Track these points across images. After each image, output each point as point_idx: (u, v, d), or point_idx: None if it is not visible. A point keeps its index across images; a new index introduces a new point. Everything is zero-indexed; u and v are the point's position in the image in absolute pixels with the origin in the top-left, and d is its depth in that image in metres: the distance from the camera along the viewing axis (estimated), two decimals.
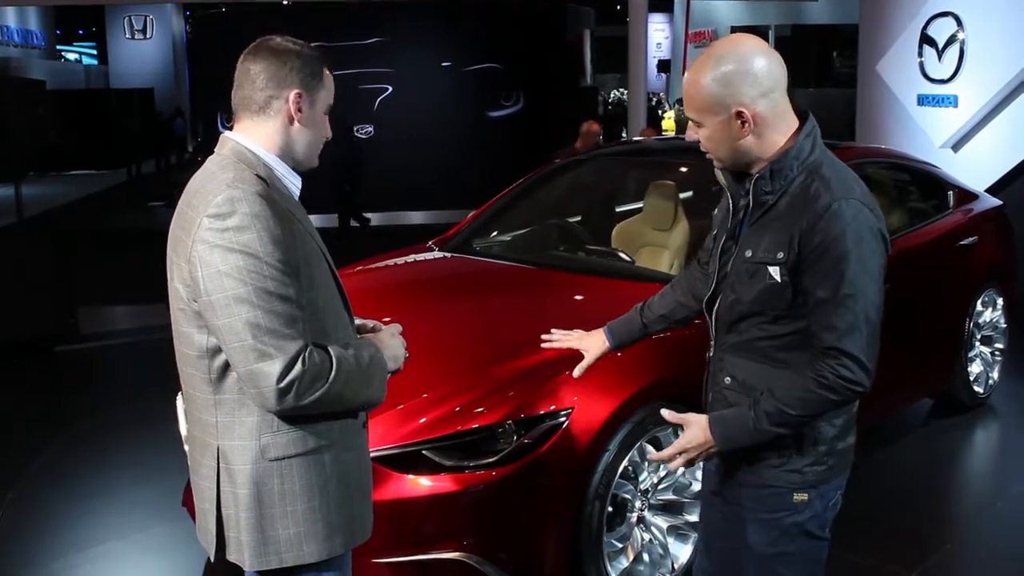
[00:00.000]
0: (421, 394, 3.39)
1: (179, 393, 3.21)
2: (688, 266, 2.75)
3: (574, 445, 3.27)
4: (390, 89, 14.88)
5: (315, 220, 2.28)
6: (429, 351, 3.81)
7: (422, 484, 3.20)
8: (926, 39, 8.77)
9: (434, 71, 14.94)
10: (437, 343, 3.88)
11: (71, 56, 42.11)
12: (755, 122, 2.14)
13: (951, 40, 8.54)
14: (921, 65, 8.84)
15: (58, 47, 37.88)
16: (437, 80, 14.99)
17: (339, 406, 2.10)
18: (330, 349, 2.05)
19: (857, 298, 2.10)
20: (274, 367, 1.95)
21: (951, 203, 5.69)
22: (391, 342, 2.30)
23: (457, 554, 3.16)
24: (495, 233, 5.27)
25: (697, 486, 3.75)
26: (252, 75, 2.12)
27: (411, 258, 5.02)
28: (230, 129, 2.19)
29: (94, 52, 42.53)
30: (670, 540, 3.70)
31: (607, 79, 37.88)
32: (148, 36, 31.34)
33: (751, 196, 2.23)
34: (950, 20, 8.53)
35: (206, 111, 15.47)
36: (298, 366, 1.96)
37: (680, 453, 2.29)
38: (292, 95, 2.13)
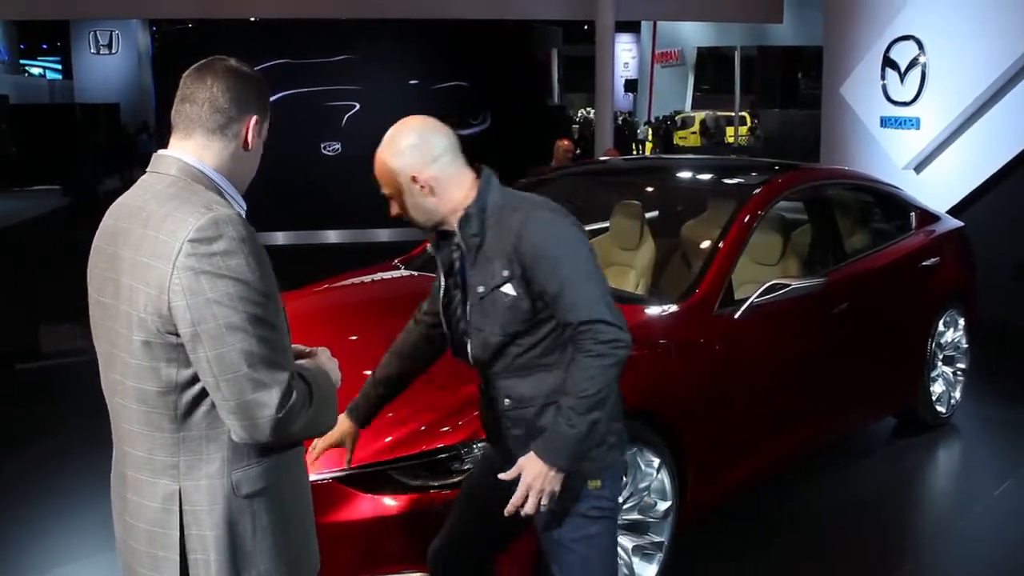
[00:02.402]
0: (386, 414, 3.36)
1: None
2: (407, 328, 2.93)
3: None
4: (357, 106, 14.84)
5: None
6: None
7: (387, 504, 3.19)
8: (888, 62, 8.89)
9: (402, 89, 14.91)
10: None
11: (35, 71, 41.75)
12: (430, 185, 2.45)
13: (913, 63, 8.66)
14: (884, 87, 8.96)
15: (22, 61, 37.55)
16: (405, 98, 14.93)
17: (311, 433, 2.03)
18: (303, 375, 2.00)
19: (579, 277, 2.42)
20: (272, 396, 1.87)
21: (913, 224, 5.76)
22: (331, 366, 2.19)
23: (422, 574, 3.14)
24: None
25: (663, 506, 3.76)
26: (214, 94, 2.02)
27: (377, 276, 5.00)
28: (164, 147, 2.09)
29: (59, 67, 42.17)
30: (635, 559, 3.70)
31: (575, 98, 38.08)
32: (114, 51, 31.12)
33: (462, 242, 2.52)
34: (912, 44, 8.66)
35: (168, 128, 15.32)
36: (294, 394, 1.90)
37: (528, 492, 2.44)
38: (252, 120, 2.07)
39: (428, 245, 2.70)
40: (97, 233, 2.09)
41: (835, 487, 5.03)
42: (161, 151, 2.07)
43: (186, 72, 2.08)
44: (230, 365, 1.86)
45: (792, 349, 4.52)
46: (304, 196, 14.05)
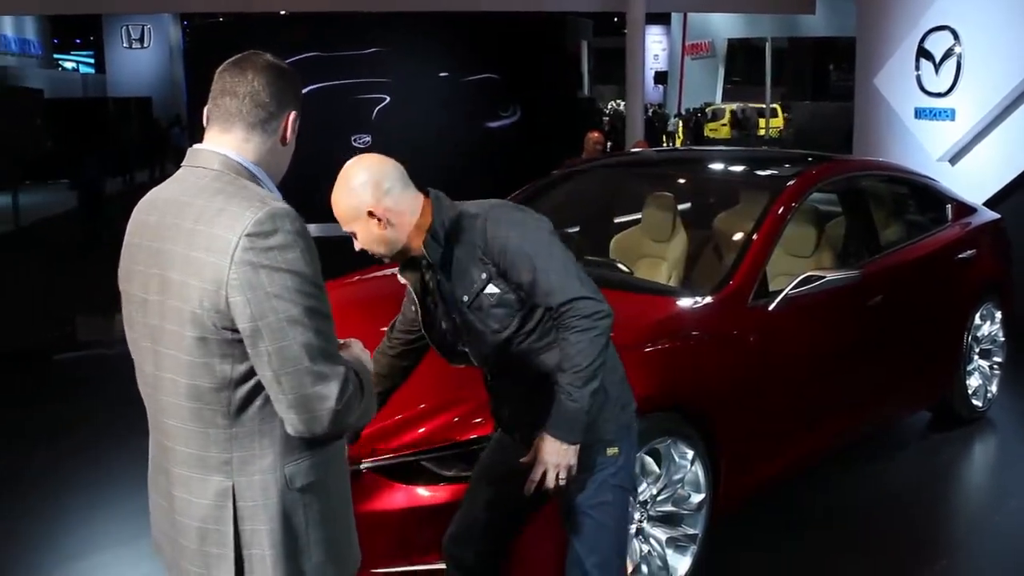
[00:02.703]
0: (419, 405, 3.39)
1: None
2: (379, 351, 3.00)
3: None
4: (388, 99, 14.87)
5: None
6: (427, 362, 3.80)
7: (421, 494, 3.20)
8: (923, 53, 8.79)
9: (432, 81, 14.93)
10: (435, 354, 3.87)
11: (68, 65, 42.13)
12: (387, 217, 2.55)
13: (948, 53, 8.56)
14: (918, 78, 8.86)
15: (55, 56, 37.90)
16: (435, 90, 14.97)
17: (361, 424, 2.04)
18: (352, 366, 2.00)
19: (549, 261, 2.57)
20: (332, 389, 1.88)
21: (949, 216, 5.71)
22: (364, 356, 2.18)
23: None
24: None
25: (696, 498, 3.75)
26: (255, 88, 2.02)
27: None
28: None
29: (92, 61, 42.53)
30: (669, 552, 3.69)
31: (604, 90, 37.98)
32: (146, 45, 31.36)
33: (434, 261, 2.64)
34: (947, 34, 8.55)
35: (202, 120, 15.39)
36: (349, 385, 1.91)
37: (547, 470, 2.59)
38: (291, 116, 2.08)
39: (399, 275, 2.81)
40: (132, 229, 2.08)
41: (869, 480, 5.00)
42: (199, 145, 2.06)
43: (222, 66, 2.07)
44: (291, 359, 1.85)
45: (826, 341, 4.49)
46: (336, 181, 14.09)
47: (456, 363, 2.86)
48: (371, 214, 2.54)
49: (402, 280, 2.80)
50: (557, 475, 2.60)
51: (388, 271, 5.02)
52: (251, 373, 1.91)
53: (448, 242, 2.62)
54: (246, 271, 1.84)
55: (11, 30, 29.41)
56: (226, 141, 2.03)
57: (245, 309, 1.84)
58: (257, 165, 2.04)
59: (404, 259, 2.70)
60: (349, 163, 2.60)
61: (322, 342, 1.88)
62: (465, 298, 2.64)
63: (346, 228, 2.59)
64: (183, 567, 2.06)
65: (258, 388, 1.92)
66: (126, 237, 2.10)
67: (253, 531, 1.97)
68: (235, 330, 1.87)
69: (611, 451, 2.73)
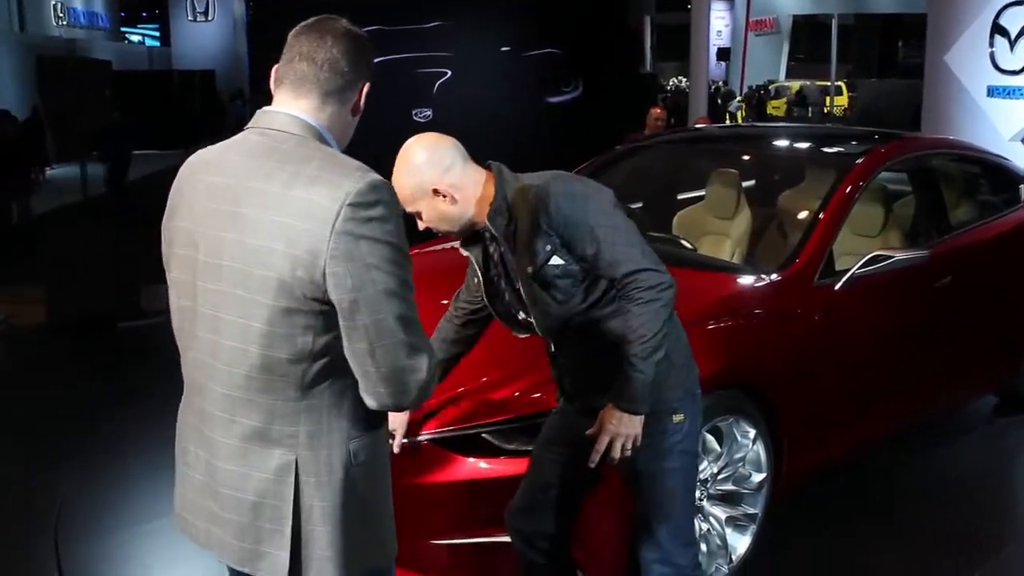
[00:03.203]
0: (481, 378, 3.39)
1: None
2: (446, 318, 3.06)
3: None
4: (449, 73, 14.86)
5: None
6: (488, 335, 3.81)
7: (481, 467, 3.21)
8: (998, 29, 8.57)
9: (494, 56, 14.87)
10: (496, 328, 3.87)
11: (135, 38, 42.69)
12: (451, 193, 2.56)
13: None
14: (992, 56, 8.64)
15: (122, 29, 38.41)
16: (496, 65, 14.92)
17: (423, 399, 1.97)
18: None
19: (613, 233, 2.57)
20: (423, 361, 1.86)
21: (1023, 197, 5.56)
22: None
23: None
24: None
25: (757, 477, 3.72)
26: (334, 55, 1.96)
27: None
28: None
29: (157, 34, 43.05)
30: (728, 531, 3.67)
31: (666, 67, 37.62)
32: (210, 18, 31.66)
33: (498, 235, 2.65)
34: None
35: (266, 93, 15.54)
36: (434, 357, 1.92)
37: (613, 440, 2.61)
38: (365, 87, 2.04)
39: (462, 249, 2.80)
40: (188, 190, 1.99)
41: (931, 465, 4.92)
42: (270, 108, 1.99)
43: (298, 29, 2.01)
44: (388, 331, 1.82)
45: (892, 323, 4.41)
46: (395, 162, 14.15)
47: (519, 333, 2.87)
48: (436, 191, 2.55)
49: (465, 253, 2.80)
50: (623, 446, 2.61)
51: (446, 245, 5.03)
52: (330, 346, 1.87)
53: (511, 215, 2.62)
54: (347, 241, 1.79)
55: (80, 3, 29.86)
56: (301, 106, 1.97)
57: (345, 280, 1.79)
58: (331, 133, 1.99)
59: (468, 233, 2.71)
60: (407, 144, 2.61)
61: (413, 314, 1.87)
62: (530, 269, 2.64)
63: (410, 208, 2.58)
64: (226, 542, 2.00)
65: (335, 362, 1.88)
66: (177, 199, 2.02)
67: (312, 507, 1.93)
68: (325, 302, 1.82)
69: (677, 417, 2.75)
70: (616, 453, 2.62)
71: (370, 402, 1.89)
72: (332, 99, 1.98)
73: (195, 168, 2.02)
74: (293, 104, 1.97)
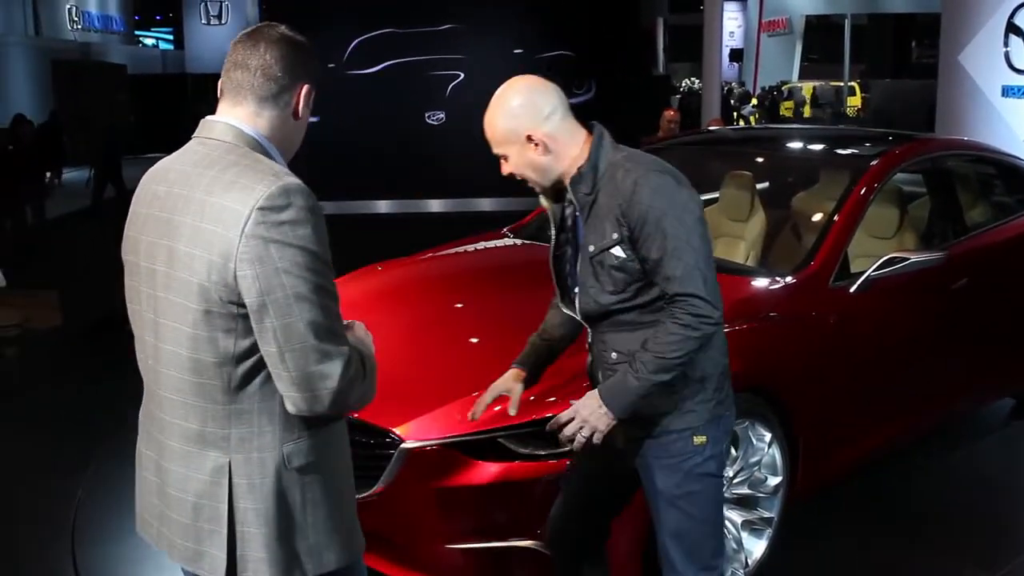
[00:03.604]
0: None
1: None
2: (552, 301, 2.93)
3: None
4: (462, 76, 14.89)
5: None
6: (504, 338, 3.81)
7: (496, 471, 3.20)
8: (1013, 28, 8.53)
9: (506, 58, 14.87)
10: (512, 331, 3.87)
11: (148, 41, 42.86)
12: (545, 142, 2.47)
13: None
14: (1007, 55, 8.60)
15: (136, 32, 38.57)
16: (509, 67, 14.79)
17: (360, 405, 2.02)
18: (355, 347, 1.99)
19: (683, 248, 2.42)
20: (335, 368, 1.87)
21: None
22: (368, 339, 2.13)
23: (531, 542, 3.16)
24: None
25: (773, 481, 3.71)
26: (267, 61, 1.99)
27: (486, 245, 5.02)
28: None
29: (170, 38, 43.20)
30: (744, 535, 3.66)
31: (678, 68, 37.56)
32: (223, 21, 31.67)
33: (575, 200, 2.55)
34: None
35: None
36: (352, 365, 1.91)
37: (575, 420, 2.52)
38: (304, 89, 2.04)
39: (542, 199, 2.68)
40: (139, 199, 2.06)
41: (948, 468, 4.90)
42: (211, 117, 2.04)
43: (236, 38, 2.06)
44: (297, 335, 1.84)
45: (909, 325, 4.39)
46: (408, 165, 14.19)
47: (565, 307, 2.75)
48: (530, 138, 2.47)
49: (544, 205, 2.70)
50: (582, 433, 2.52)
51: (463, 248, 5.03)
52: (253, 349, 1.90)
53: (595, 186, 2.51)
54: (256, 245, 1.82)
55: (94, 7, 30.01)
56: (238, 114, 2.01)
57: (253, 283, 1.83)
58: (269, 139, 2.02)
59: (552, 189, 2.61)
60: (509, 83, 2.53)
61: (328, 320, 1.87)
62: (591, 248, 2.53)
63: (497, 150, 2.53)
64: (173, 542, 2.05)
65: (260, 365, 1.91)
66: (132, 206, 2.08)
67: (247, 509, 1.96)
68: (241, 304, 1.86)
69: (698, 439, 2.60)
70: (569, 434, 2.53)
71: (288, 406, 1.92)
72: (268, 104, 2.01)
73: (147, 178, 2.09)
74: (231, 112, 2.02)
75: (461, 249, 5.03)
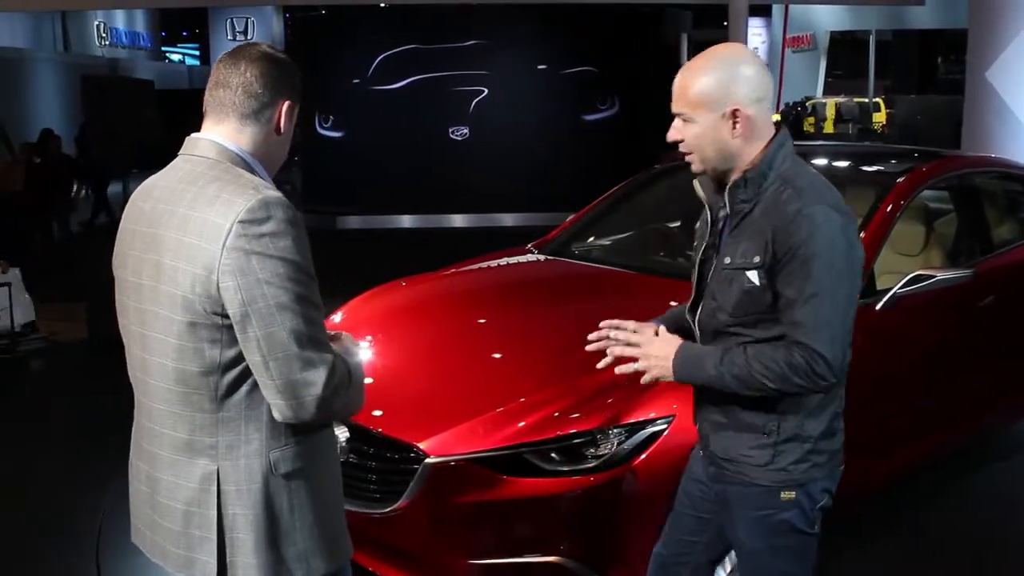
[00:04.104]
0: (519, 398, 3.39)
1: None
2: None
3: (674, 453, 3.22)
4: (485, 92, 14.94)
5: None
6: (528, 354, 3.81)
7: (520, 487, 3.19)
8: None
9: (530, 74, 14.95)
10: (536, 347, 3.87)
11: (175, 57, 43.25)
12: (745, 125, 2.25)
13: None
14: None
15: (163, 48, 38.94)
16: (532, 83, 14.99)
17: (347, 414, 2.10)
18: (341, 356, 2.03)
19: (823, 297, 2.19)
20: (319, 375, 1.91)
21: None
22: (355, 350, 2.17)
23: (554, 558, 3.15)
24: (594, 237, 5.25)
25: None
26: (247, 79, 2.04)
27: (510, 260, 5.02)
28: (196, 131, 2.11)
29: (197, 53, 43.60)
30: None
31: None
32: (249, 37, 31.91)
33: (728, 204, 2.34)
34: None
35: (304, 112, 15.59)
36: (336, 373, 1.95)
37: (640, 348, 2.38)
38: (285, 105, 2.09)
39: (697, 185, 2.50)
40: (127, 215, 2.13)
41: (968, 490, 4.84)
42: (195, 135, 2.10)
43: (219, 57, 2.12)
44: (279, 344, 1.89)
45: (935, 343, 4.36)
46: (432, 180, 14.24)
47: (688, 316, 2.53)
48: (735, 112, 2.25)
49: (700, 194, 2.50)
50: (633, 360, 2.38)
51: (487, 263, 5.04)
52: (239, 359, 1.94)
53: (757, 196, 2.29)
54: (238, 257, 1.87)
55: (122, 23, 30.32)
56: (221, 131, 2.07)
57: (236, 294, 1.88)
58: (252, 155, 2.07)
59: (710, 178, 2.40)
60: (736, 46, 2.36)
61: (310, 329, 1.92)
62: (727, 260, 2.33)
63: (685, 110, 2.29)
64: (166, 549, 2.10)
65: (245, 374, 1.96)
66: (121, 223, 2.14)
67: (235, 515, 2.01)
68: (225, 315, 1.91)
69: (786, 495, 2.38)
70: (622, 353, 2.40)
71: (275, 414, 1.97)
72: (250, 121, 2.07)
73: (135, 195, 2.15)
74: (214, 129, 2.08)
75: (485, 265, 5.04)
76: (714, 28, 27.53)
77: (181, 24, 43.44)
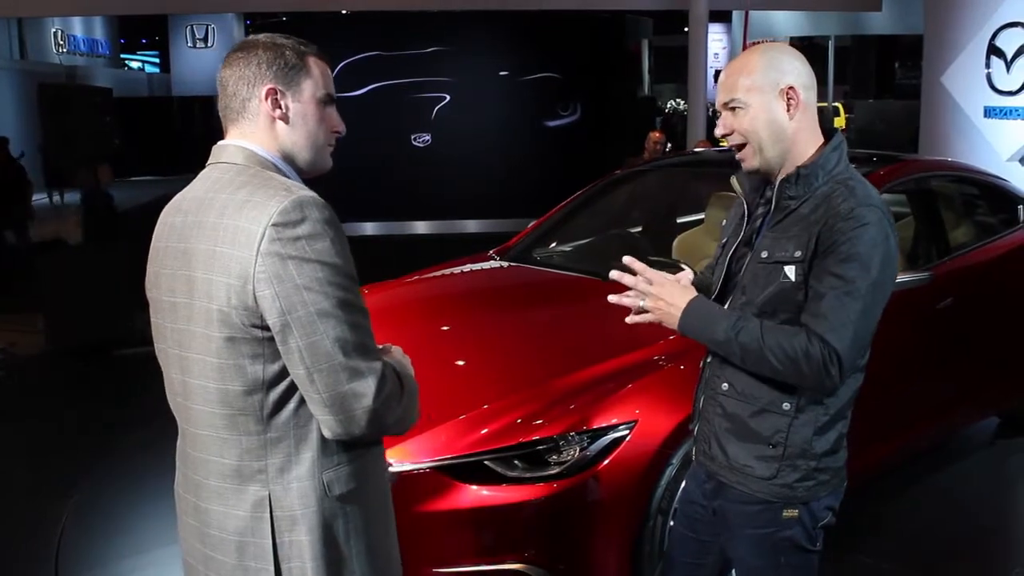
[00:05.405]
0: (482, 405, 3.38)
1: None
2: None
3: (637, 458, 3.24)
4: (448, 98, 14.94)
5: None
6: (490, 361, 3.81)
7: (483, 494, 3.19)
8: (994, 50, 8.62)
9: (492, 80, 14.97)
10: (498, 353, 3.87)
11: (134, 64, 42.84)
12: (799, 106, 2.24)
13: (1021, 51, 8.38)
14: (988, 76, 8.69)
15: (122, 56, 38.57)
16: (494, 89, 15.02)
17: (401, 428, 1.92)
18: (392, 365, 1.91)
19: (852, 297, 2.15)
20: (368, 386, 1.79)
21: (1021, 217, 5.56)
22: (405, 361, 2.04)
23: (519, 565, 3.14)
24: (556, 243, 5.26)
25: None
26: (223, 81, 1.95)
27: (472, 267, 5.02)
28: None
29: (157, 61, 43.21)
30: None
31: (664, 89, 37.75)
32: (210, 45, 31.70)
33: (774, 199, 2.32)
34: (1020, 31, 8.38)
35: None
36: (387, 383, 1.82)
37: (652, 291, 2.35)
38: (264, 91, 1.93)
39: (734, 182, 2.48)
40: (158, 233, 2.00)
41: (933, 487, 4.90)
42: (222, 142, 1.99)
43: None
44: (324, 354, 1.76)
45: (894, 345, 4.38)
46: (394, 187, 14.21)
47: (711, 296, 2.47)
48: (791, 89, 2.23)
49: (736, 189, 2.48)
50: (642, 306, 2.37)
51: (450, 270, 5.03)
52: (283, 374, 1.82)
53: (806, 194, 2.27)
54: (273, 262, 1.74)
55: (80, 30, 30.00)
56: (236, 134, 1.97)
57: (273, 303, 1.75)
58: (268, 151, 1.95)
59: (752, 171, 2.36)
60: (773, 43, 2.36)
61: (357, 336, 1.79)
62: (764, 254, 2.30)
63: (736, 95, 2.27)
64: None
65: (292, 390, 1.83)
66: (152, 242, 2.02)
67: (292, 542, 1.88)
68: (264, 327, 1.78)
69: (788, 512, 2.37)
70: (631, 295, 2.41)
71: (324, 431, 1.85)
72: (244, 121, 1.96)
73: (164, 212, 2.03)
74: (233, 135, 1.98)
75: (447, 272, 5.03)
76: (675, 34, 27.71)
77: (140, 31, 42.99)
